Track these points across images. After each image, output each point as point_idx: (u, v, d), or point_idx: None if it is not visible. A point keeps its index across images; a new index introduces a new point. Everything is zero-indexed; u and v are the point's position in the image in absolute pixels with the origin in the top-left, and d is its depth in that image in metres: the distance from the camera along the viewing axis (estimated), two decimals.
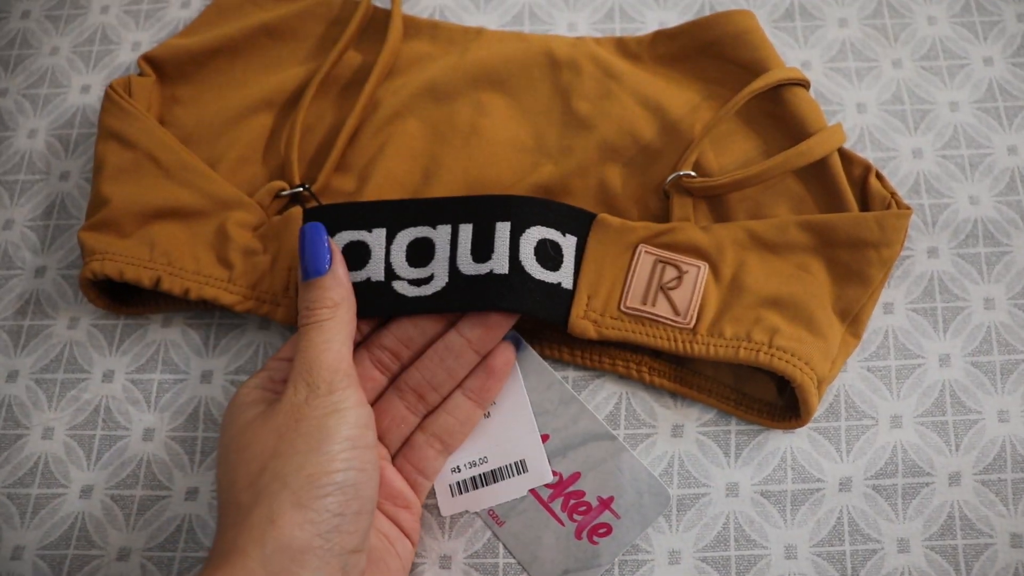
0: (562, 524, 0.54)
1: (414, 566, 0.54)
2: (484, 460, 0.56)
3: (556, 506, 0.55)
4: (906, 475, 0.55)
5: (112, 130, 0.61)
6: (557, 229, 0.56)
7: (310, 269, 0.53)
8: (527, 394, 0.56)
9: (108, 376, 0.60)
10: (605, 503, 0.54)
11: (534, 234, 0.55)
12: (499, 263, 0.54)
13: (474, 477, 0.55)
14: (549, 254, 0.55)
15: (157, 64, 0.65)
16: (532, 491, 0.55)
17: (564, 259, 0.56)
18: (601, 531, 0.54)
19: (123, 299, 0.61)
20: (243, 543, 0.44)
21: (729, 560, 0.54)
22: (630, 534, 0.54)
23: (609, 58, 0.63)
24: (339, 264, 0.53)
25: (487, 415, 0.56)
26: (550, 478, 0.55)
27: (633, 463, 0.55)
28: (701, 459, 0.56)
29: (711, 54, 0.62)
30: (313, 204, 0.60)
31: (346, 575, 0.46)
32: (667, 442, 0.56)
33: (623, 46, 0.65)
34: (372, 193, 0.61)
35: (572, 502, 0.54)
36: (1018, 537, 0.54)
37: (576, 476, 0.55)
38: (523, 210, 0.55)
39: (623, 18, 0.69)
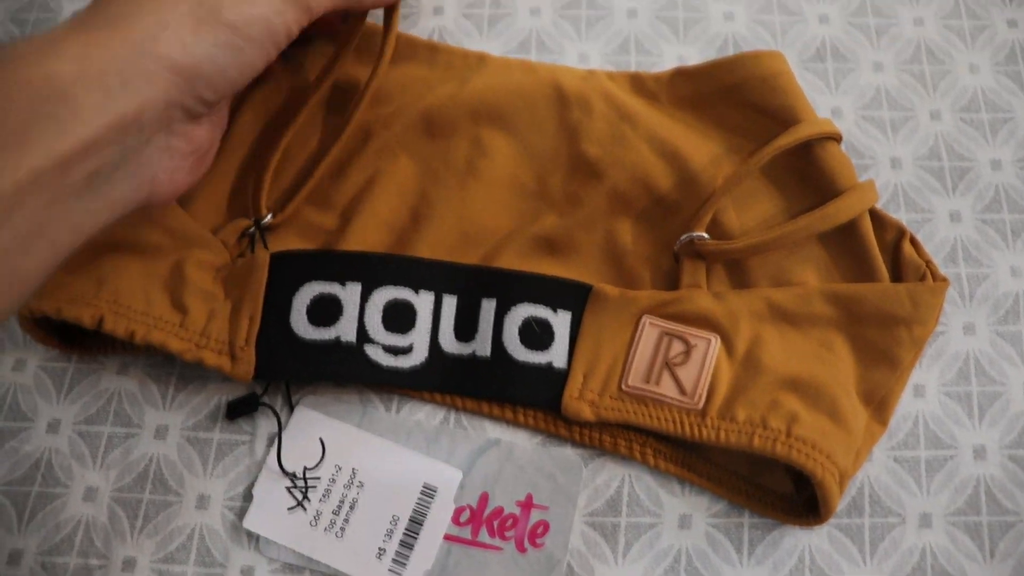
0: (500, 550, 0.50)
1: None
2: (396, 520, 0.51)
3: (484, 537, 0.50)
4: None
5: None
6: (547, 305, 0.52)
7: None
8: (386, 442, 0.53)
9: (53, 426, 0.54)
10: (526, 504, 0.51)
11: (520, 312, 0.51)
12: (482, 345, 0.51)
13: (402, 541, 0.50)
14: (536, 333, 0.51)
15: None
16: (455, 538, 0.50)
17: (556, 337, 0.51)
18: (539, 531, 0.50)
19: (77, 338, 0.54)
20: (123, 25, 0.42)
21: None
22: (567, 518, 0.51)
23: (623, 96, 0.57)
24: None
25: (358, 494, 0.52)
26: (458, 474, 0.52)
27: (528, 453, 0.52)
28: (711, 556, 0.50)
29: (735, 99, 0.56)
30: (262, 244, 0.55)
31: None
32: (673, 534, 0.51)
33: (639, 83, 0.59)
34: (355, 233, 0.55)
35: (496, 523, 0.51)
36: None
37: (485, 497, 0.51)
38: (510, 287, 0.52)
39: (639, 51, 0.63)
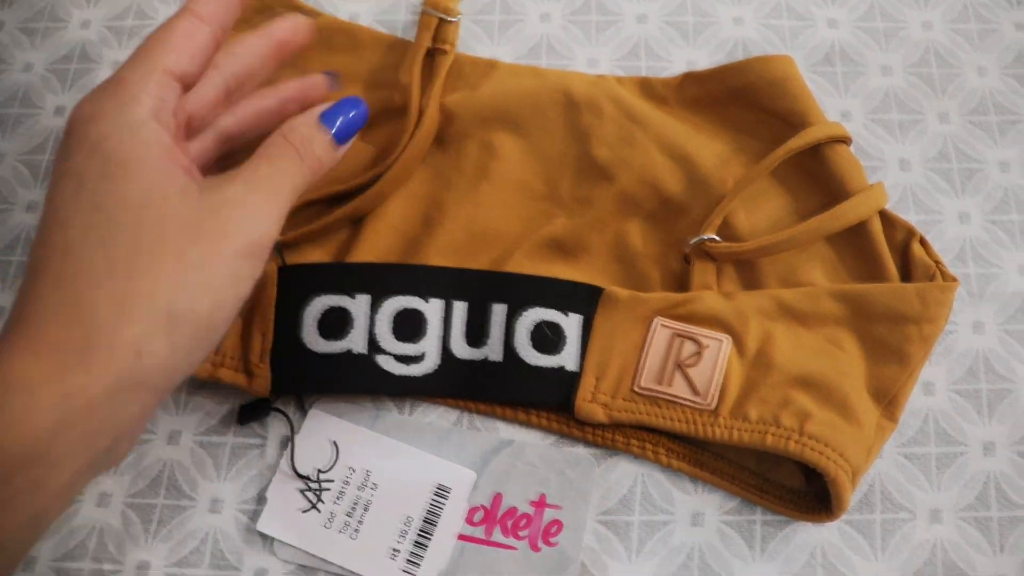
0: (514, 548, 0.50)
1: None
2: (409, 520, 0.51)
3: (497, 537, 0.50)
4: None
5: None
6: (558, 309, 0.52)
7: (339, 125, 0.47)
8: (399, 443, 0.53)
9: None
10: (540, 504, 0.51)
11: (531, 316, 0.51)
12: (493, 349, 0.51)
13: (416, 541, 0.50)
14: (548, 337, 0.51)
15: None
16: (468, 537, 0.50)
17: (567, 340, 0.51)
18: (553, 530, 0.51)
19: None
20: (95, 362, 0.37)
21: None
22: (580, 515, 0.51)
23: (632, 100, 0.58)
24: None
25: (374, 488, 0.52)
26: (472, 475, 0.52)
27: (540, 451, 0.52)
28: (723, 552, 0.51)
29: (744, 101, 0.57)
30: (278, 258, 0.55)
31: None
32: (686, 531, 0.51)
33: (648, 87, 0.60)
34: (367, 239, 0.55)
35: (509, 522, 0.51)
36: None
37: (498, 497, 0.51)
38: (520, 291, 0.52)
39: (649, 55, 0.64)
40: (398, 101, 0.59)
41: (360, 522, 0.51)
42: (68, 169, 0.40)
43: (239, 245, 0.41)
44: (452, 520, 0.51)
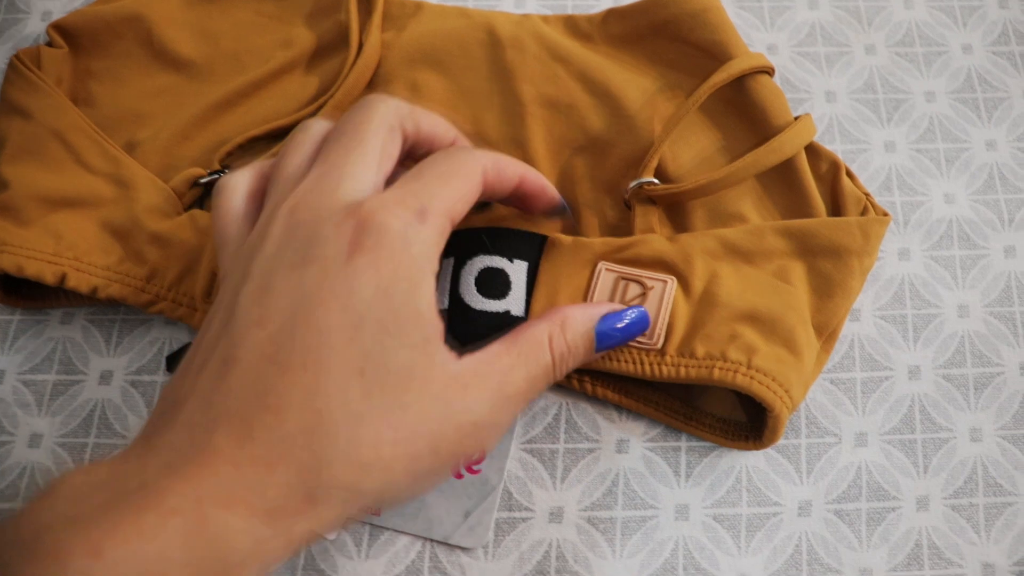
0: None
1: None
2: None
3: None
4: (870, 499, 0.51)
5: (15, 104, 0.55)
6: (503, 256, 0.51)
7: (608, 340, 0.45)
8: None
9: None
10: None
11: (476, 264, 0.51)
12: (440, 299, 0.51)
13: None
14: (493, 282, 0.51)
15: (69, 33, 0.59)
16: None
17: (512, 286, 0.51)
18: (476, 458, 0.51)
19: (21, 291, 0.55)
20: (322, 513, 0.34)
21: None
22: (503, 444, 0.52)
23: (556, 37, 0.58)
24: None
25: None
26: None
27: None
28: (648, 478, 0.51)
29: (667, 35, 0.57)
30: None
31: None
32: (611, 459, 0.51)
33: (572, 25, 0.60)
34: None
35: None
36: (989, 567, 0.50)
37: None
38: (465, 243, 0.51)
39: None
40: (338, 36, 0.59)
41: None
42: (352, 292, 0.36)
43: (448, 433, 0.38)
44: None
